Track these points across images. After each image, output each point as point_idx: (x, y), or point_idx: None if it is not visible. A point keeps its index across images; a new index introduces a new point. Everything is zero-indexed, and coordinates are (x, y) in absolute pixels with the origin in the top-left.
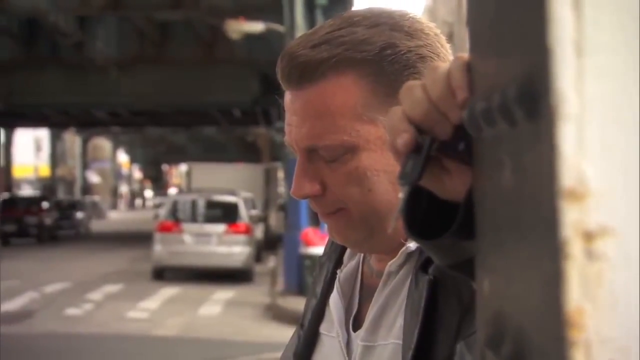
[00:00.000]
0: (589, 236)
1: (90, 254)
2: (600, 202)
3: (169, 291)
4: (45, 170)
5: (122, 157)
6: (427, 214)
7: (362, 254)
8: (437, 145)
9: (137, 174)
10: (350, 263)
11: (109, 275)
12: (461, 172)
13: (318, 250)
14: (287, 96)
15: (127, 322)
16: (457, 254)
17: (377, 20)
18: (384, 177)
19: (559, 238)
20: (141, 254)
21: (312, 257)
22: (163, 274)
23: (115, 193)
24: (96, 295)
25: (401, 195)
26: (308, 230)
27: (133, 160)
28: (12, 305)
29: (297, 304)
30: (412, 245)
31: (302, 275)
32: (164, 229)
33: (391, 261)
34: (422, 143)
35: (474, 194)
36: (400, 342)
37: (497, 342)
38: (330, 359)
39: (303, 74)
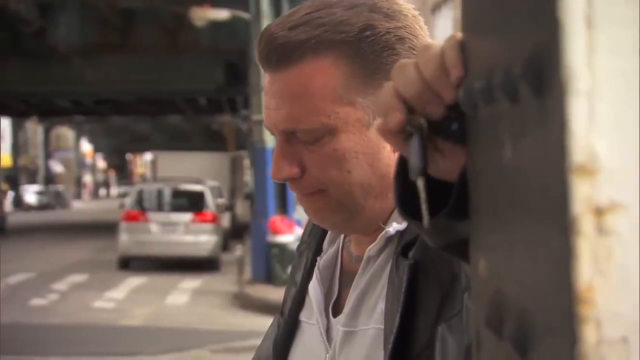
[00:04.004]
0: (599, 212)
1: (55, 245)
2: (611, 178)
3: (135, 281)
4: (7, 160)
5: (86, 147)
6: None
7: (341, 241)
8: (429, 126)
9: (101, 163)
10: (329, 250)
11: (73, 265)
12: (454, 152)
13: (286, 238)
14: (266, 78)
15: (94, 312)
16: (450, 235)
17: (356, 1)
18: (362, 159)
19: (570, 214)
20: (106, 244)
21: (279, 245)
22: (129, 264)
23: (79, 183)
24: (61, 285)
25: (420, 184)
26: (275, 219)
27: (97, 149)
28: None
29: (265, 292)
30: (391, 229)
31: (269, 264)
32: (130, 218)
33: (370, 246)
34: (415, 123)
35: (468, 173)
36: (382, 326)
37: (497, 322)
38: (311, 346)
39: (281, 56)
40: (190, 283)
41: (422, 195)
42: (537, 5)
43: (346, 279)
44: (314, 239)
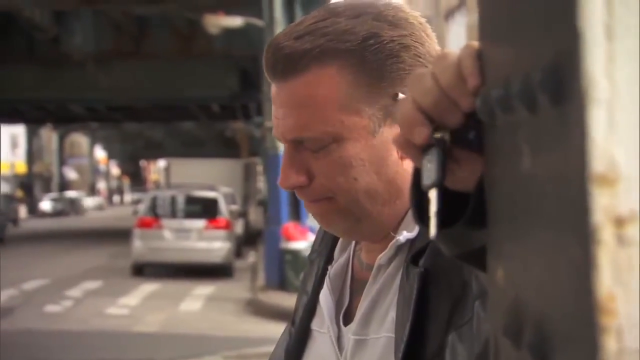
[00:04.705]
0: (620, 221)
1: (69, 251)
2: (631, 187)
3: (149, 287)
4: (21, 167)
5: (100, 153)
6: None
7: (352, 249)
8: (449, 137)
9: (115, 170)
10: (340, 258)
11: (88, 271)
12: (470, 161)
13: (299, 244)
14: (273, 88)
15: (107, 318)
16: (466, 243)
17: (360, 10)
18: (369, 166)
19: (590, 223)
20: (120, 250)
21: (293, 252)
22: (143, 270)
23: (93, 189)
24: (75, 292)
25: (432, 196)
26: (289, 225)
27: (111, 156)
28: None
29: (278, 299)
30: (401, 238)
31: (283, 270)
32: (144, 225)
33: (381, 254)
34: (437, 136)
35: (486, 182)
36: (393, 335)
37: (515, 331)
38: (322, 355)
39: (287, 66)
40: (204, 289)
41: (433, 207)
42: (556, 14)
43: (357, 287)
44: (325, 248)
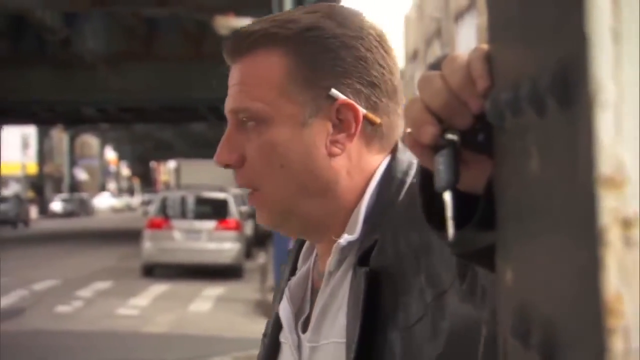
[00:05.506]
0: (627, 223)
1: (79, 252)
2: (638, 190)
3: (159, 288)
4: (32, 168)
5: (110, 154)
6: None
7: (312, 259)
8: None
9: (125, 171)
10: (302, 269)
11: (98, 272)
12: (479, 163)
13: None
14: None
15: (117, 319)
16: (471, 244)
17: (320, 8)
18: (295, 156)
19: (597, 226)
20: (130, 251)
21: None
22: (153, 271)
23: (103, 190)
24: (86, 292)
25: (447, 198)
26: None
27: (121, 157)
28: (1, 303)
29: None
30: (342, 240)
31: None
32: (154, 225)
33: (328, 260)
34: (447, 136)
35: (495, 184)
36: (340, 340)
37: (524, 332)
38: None
39: (235, 46)
40: (214, 290)
41: (449, 209)
42: (563, 18)
43: (315, 296)
44: (291, 261)
